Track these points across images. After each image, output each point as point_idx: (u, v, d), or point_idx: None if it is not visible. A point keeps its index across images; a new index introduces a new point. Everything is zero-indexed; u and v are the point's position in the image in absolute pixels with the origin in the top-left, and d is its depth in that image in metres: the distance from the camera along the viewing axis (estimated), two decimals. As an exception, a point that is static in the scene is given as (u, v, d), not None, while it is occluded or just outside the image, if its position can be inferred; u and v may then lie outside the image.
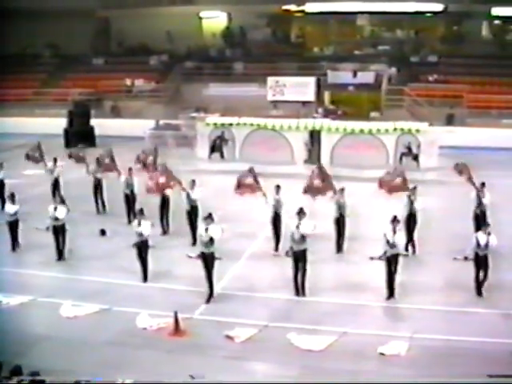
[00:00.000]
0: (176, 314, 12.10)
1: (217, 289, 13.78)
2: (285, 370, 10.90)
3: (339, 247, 16.34)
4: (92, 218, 19.26)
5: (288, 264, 13.80)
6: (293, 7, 39.77)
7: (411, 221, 15.81)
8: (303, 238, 13.47)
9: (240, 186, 17.29)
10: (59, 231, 15.67)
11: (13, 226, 16.43)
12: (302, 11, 39.80)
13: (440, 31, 39.63)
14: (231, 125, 25.93)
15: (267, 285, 14.31)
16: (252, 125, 25.70)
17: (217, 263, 13.52)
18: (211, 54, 40.06)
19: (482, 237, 13.36)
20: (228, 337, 11.86)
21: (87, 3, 38.74)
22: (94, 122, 32.86)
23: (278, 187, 16.55)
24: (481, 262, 13.37)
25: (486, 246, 13.27)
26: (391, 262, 13.33)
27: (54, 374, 9.25)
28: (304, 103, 33.00)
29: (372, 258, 14.15)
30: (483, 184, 16.61)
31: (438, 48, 38.06)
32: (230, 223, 15.60)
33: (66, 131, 32.15)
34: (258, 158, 24.72)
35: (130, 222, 17.63)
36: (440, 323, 12.38)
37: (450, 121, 31.36)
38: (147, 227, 14.46)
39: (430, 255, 15.84)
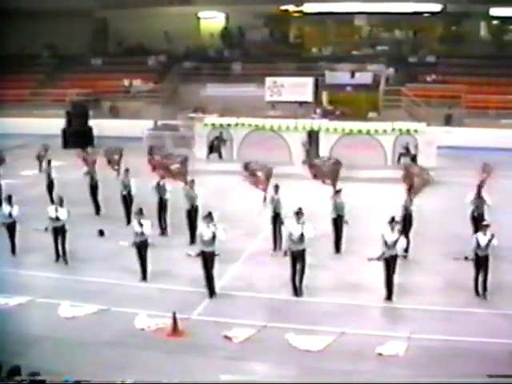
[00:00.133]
0: (174, 314, 12.10)
1: (216, 289, 13.79)
2: (283, 370, 10.90)
3: (337, 247, 16.35)
4: (89, 219, 19.21)
5: (286, 264, 13.81)
6: (291, 7, 39.80)
7: (407, 221, 15.80)
8: (302, 238, 13.47)
9: (250, 174, 17.19)
10: (59, 232, 15.62)
11: (10, 229, 16.25)
12: (300, 11, 39.83)
13: (438, 31, 39.68)
14: (229, 125, 25.95)
15: (266, 285, 14.32)
16: (250, 125, 25.72)
17: (216, 262, 13.53)
18: (209, 54, 40.05)
19: (481, 237, 13.38)
20: (226, 337, 11.85)
21: (85, 3, 38.67)
22: (92, 122, 32.79)
23: (276, 187, 16.59)
24: (481, 262, 13.37)
25: (486, 246, 13.28)
26: (389, 263, 13.33)
27: (53, 374, 9.26)
28: (302, 103, 32.98)
29: (370, 259, 14.16)
30: (480, 186, 16.56)
31: (436, 48, 38.11)
32: (228, 223, 15.60)
33: (64, 132, 32.10)
34: (256, 158, 24.57)
35: (128, 223, 17.64)
36: (438, 323, 12.40)
37: (448, 121, 31.39)
38: (148, 227, 14.49)
39: (428, 255, 15.84)
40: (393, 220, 13.58)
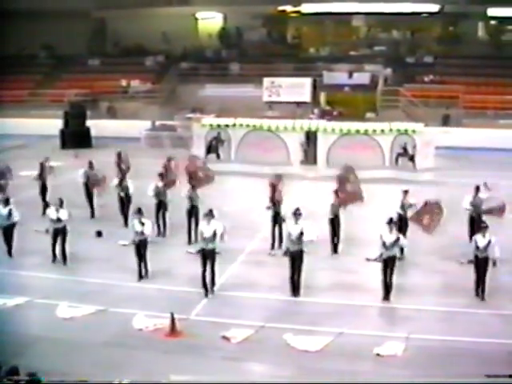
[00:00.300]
0: (172, 314, 12.09)
1: (215, 288, 13.83)
2: (281, 370, 10.91)
3: (335, 248, 16.34)
4: (87, 220, 19.17)
5: (285, 264, 13.82)
6: (288, 8, 39.76)
7: (402, 223, 15.75)
8: (300, 238, 13.48)
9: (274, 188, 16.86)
10: (59, 233, 15.57)
11: (7, 231, 16.11)
12: (298, 12, 39.80)
13: (436, 32, 39.69)
14: (227, 126, 25.92)
15: (264, 285, 14.33)
16: (248, 126, 25.70)
17: (216, 261, 13.59)
18: (207, 54, 40.00)
19: (480, 239, 13.37)
20: (224, 337, 11.85)
21: (83, 4, 38.61)
22: (89, 122, 32.70)
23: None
24: (480, 264, 13.37)
25: (486, 248, 13.28)
26: (387, 263, 13.34)
27: (51, 374, 9.26)
28: (299, 104, 32.98)
29: (368, 260, 14.15)
30: (478, 188, 16.52)
31: (433, 48, 38.12)
32: (227, 223, 15.56)
33: (62, 132, 32.02)
34: (254, 158, 24.81)
35: (126, 224, 17.61)
36: (436, 324, 12.42)
37: (445, 121, 31.41)
38: (149, 226, 14.52)
39: (425, 256, 15.85)
40: (391, 221, 13.60)
